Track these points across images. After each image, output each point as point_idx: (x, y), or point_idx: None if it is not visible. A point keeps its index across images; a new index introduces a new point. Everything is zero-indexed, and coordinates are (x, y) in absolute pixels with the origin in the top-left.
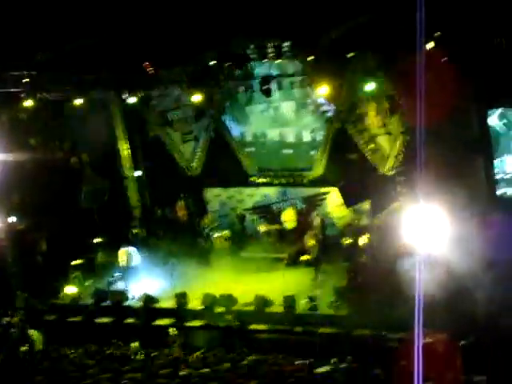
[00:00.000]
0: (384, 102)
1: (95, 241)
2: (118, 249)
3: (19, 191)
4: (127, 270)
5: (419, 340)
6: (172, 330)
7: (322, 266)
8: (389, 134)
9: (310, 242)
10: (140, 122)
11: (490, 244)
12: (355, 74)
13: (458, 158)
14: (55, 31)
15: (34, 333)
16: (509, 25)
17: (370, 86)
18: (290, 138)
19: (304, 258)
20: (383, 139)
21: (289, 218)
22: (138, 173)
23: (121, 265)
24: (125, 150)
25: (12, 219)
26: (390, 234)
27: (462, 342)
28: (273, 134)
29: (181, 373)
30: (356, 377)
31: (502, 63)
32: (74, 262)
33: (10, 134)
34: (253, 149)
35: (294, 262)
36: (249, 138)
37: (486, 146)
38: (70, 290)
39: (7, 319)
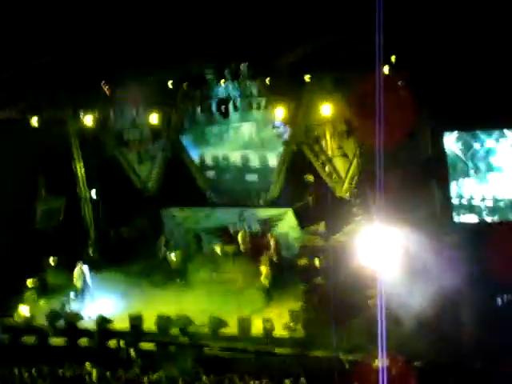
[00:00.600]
0: (340, 124)
1: (49, 260)
2: (73, 269)
3: None
4: (81, 290)
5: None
6: (130, 351)
7: (278, 287)
8: (345, 156)
9: (265, 263)
10: (96, 141)
11: (443, 267)
12: (312, 96)
13: (413, 180)
14: (12, 49)
15: None
16: (461, 50)
17: (326, 109)
18: (253, 162)
19: (259, 279)
20: (339, 161)
21: (242, 240)
22: (93, 193)
23: (75, 285)
24: (80, 169)
25: None
26: (345, 255)
27: (416, 364)
28: (234, 158)
29: None
30: None
31: (456, 87)
32: (27, 282)
33: None
34: (213, 172)
35: (249, 283)
36: (208, 161)
37: (441, 169)
38: (24, 310)
39: None
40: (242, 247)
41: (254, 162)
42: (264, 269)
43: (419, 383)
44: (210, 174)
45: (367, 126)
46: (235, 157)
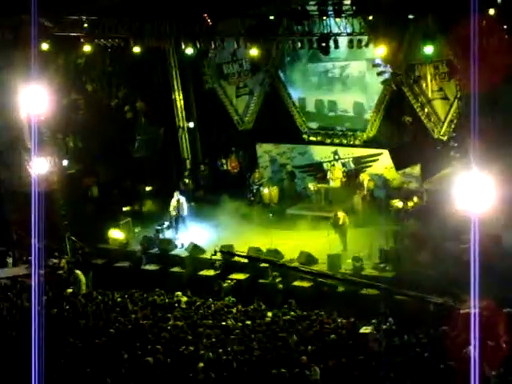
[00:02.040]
0: (442, 65)
1: (146, 189)
2: (168, 198)
3: (73, 136)
4: (176, 219)
5: (473, 306)
6: (220, 282)
7: (370, 227)
8: (445, 98)
9: (358, 202)
10: (196, 73)
11: None
12: (414, 36)
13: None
14: None
15: (80, 276)
16: None
17: (428, 49)
18: (351, 101)
19: (351, 218)
20: (439, 103)
21: (336, 177)
22: (191, 124)
23: (170, 213)
24: (179, 100)
25: (65, 163)
26: (439, 198)
27: (507, 310)
28: (333, 97)
29: (223, 323)
30: (395, 339)
31: None
32: (124, 209)
33: (67, 78)
34: (310, 110)
35: (341, 221)
36: (307, 99)
37: None
38: (119, 235)
39: (55, 261)
40: (333, 185)
41: (352, 100)
42: (357, 208)
43: (509, 330)
44: (308, 111)
45: (469, 68)
46: (334, 96)
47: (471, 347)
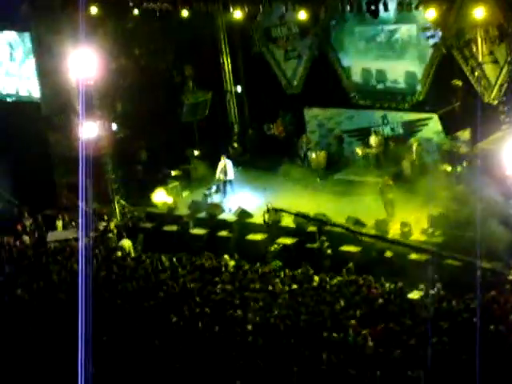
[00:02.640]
0: (492, 29)
1: (194, 153)
2: (216, 162)
3: (122, 100)
4: (224, 183)
5: None
6: (273, 247)
7: (419, 192)
8: (495, 62)
9: (407, 167)
10: (244, 37)
11: None
12: None
13: None
14: None
15: (126, 241)
16: None
17: (479, 12)
18: (398, 67)
19: (399, 183)
20: (489, 67)
21: (376, 144)
22: (239, 88)
23: (218, 178)
24: (227, 64)
25: (114, 127)
26: (490, 163)
27: None
28: (381, 64)
29: (270, 288)
30: (444, 304)
31: None
32: (172, 173)
33: (115, 42)
34: (358, 75)
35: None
36: (350, 65)
37: None
38: (167, 199)
39: (104, 224)
40: (374, 151)
41: (403, 69)
42: (406, 173)
43: None
44: (356, 76)
45: None
46: (383, 64)
47: None
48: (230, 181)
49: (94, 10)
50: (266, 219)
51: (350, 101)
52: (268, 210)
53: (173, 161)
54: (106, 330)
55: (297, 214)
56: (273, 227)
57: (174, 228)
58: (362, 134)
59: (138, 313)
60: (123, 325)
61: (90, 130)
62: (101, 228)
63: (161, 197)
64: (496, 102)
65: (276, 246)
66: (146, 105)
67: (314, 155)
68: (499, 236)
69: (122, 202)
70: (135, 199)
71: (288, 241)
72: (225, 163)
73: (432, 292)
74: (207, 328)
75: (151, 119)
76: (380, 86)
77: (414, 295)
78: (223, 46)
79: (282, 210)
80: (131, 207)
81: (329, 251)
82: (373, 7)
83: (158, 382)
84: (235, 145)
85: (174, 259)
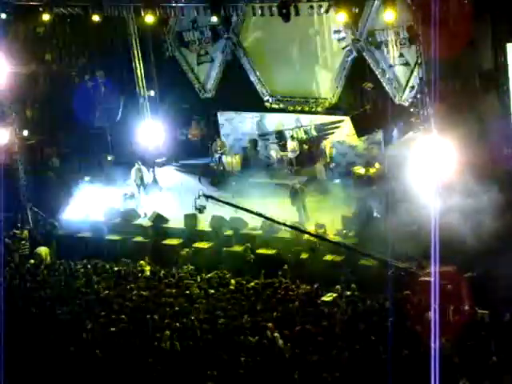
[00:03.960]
0: (403, 31)
1: (107, 158)
2: (130, 167)
3: (33, 106)
4: (138, 188)
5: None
6: (184, 251)
7: (332, 193)
8: (406, 64)
9: (321, 170)
10: (156, 41)
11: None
12: (375, 2)
13: (473, 90)
14: None
15: (42, 248)
16: None
17: (389, 15)
18: (306, 62)
19: (314, 185)
20: (400, 69)
21: (291, 147)
22: (152, 93)
23: (133, 183)
24: (140, 69)
25: (25, 134)
26: (401, 164)
27: (468, 275)
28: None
29: (187, 292)
30: (359, 305)
31: None
32: (85, 179)
33: (26, 48)
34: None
35: (303, 188)
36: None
37: (501, 80)
38: (80, 205)
39: (17, 232)
40: (290, 155)
41: (314, 68)
42: (319, 175)
43: (471, 294)
44: (269, 79)
45: (429, 33)
46: (293, 63)
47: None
48: (145, 185)
49: (3, 15)
50: (197, 206)
51: (264, 104)
52: (199, 197)
53: (86, 166)
54: (20, 338)
55: (227, 203)
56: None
57: (89, 234)
58: (276, 138)
59: (52, 321)
60: (38, 332)
61: (0, 137)
62: (14, 236)
63: (77, 203)
64: (407, 104)
65: (187, 249)
66: (58, 110)
67: (228, 159)
68: (412, 236)
69: (35, 209)
70: (49, 206)
71: (204, 245)
72: (139, 168)
73: (348, 293)
74: (123, 334)
75: (63, 125)
76: (293, 90)
77: (328, 297)
78: (135, 50)
79: (212, 197)
80: (45, 214)
81: (249, 254)
82: (284, 11)
83: None
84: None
85: (89, 266)
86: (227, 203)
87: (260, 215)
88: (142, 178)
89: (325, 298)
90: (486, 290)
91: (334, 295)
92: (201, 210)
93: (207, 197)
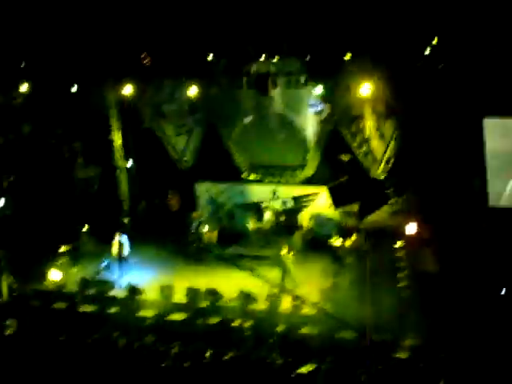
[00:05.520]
0: (379, 105)
1: (84, 229)
2: (106, 238)
3: (9, 175)
4: (115, 260)
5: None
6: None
7: (309, 265)
8: (382, 137)
9: (298, 241)
10: (134, 112)
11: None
12: (351, 76)
13: (450, 167)
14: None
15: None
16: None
17: (365, 89)
18: (283, 133)
19: (290, 256)
20: (376, 143)
21: (268, 219)
22: (129, 163)
23: (112, 254)
24: (118, 140)
25: (1, 204)
26: (378, 236)
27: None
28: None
29: (162, 365)
30: (336, 377)
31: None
32: (61, 248)
33: (3, 118)
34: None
35: (280, 260)
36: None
37: (480, 158)
38: (55, 275)
39: None
40: (267, 225)
41: (291, 139)
42: (296, 246)
43: None
44: (245, 149)
45: (406, 108)
46: (271, 135)
47: None
48: (125, 258)
49: None
50: None
51: (241, 175)
52: None
53: (62, 236)
54: None
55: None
56: None
57: (63, 305)
58: (253, 209)
59: None
60: None
61: None
62: None
63: (51, 274)
64: (383, 177)
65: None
66: (34, 180)
67: (205, 230)
68: (390, 308)
69: (10, 278)
70: (23, 275)
71: (178, 316)
72: (119, 240)
73: (323, 367)
74: None
75: (40, 195)
76: (270, 161)
77: (304, 370)
78: (113, 121)
79: None
80: (19, 284)
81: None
82: (262, 85)
83: None
84: (124, 220)
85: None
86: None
87: None
88: (120, 250)
89: (300, 371)
90: None
91: (310, 368)
92: None
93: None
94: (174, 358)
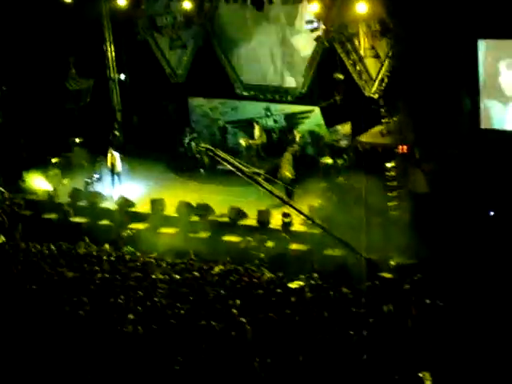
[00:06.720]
0: (374, 24)
1: (76, 140)
2: (98, 150)
3: (1, 86)
4: (111, 175)
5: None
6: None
7: (300, 183)
8: (377, 56)
9: (289, 159)
10: (128, 25)
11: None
12: None
13: (443, 87)
14: None
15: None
16: None
17: (361, 7)
18: (278, 52)
19: (281, 174)
20: (371, 62)
21: (260, 136)
22: (122, 76)
23: (105, 167)
24: (111, 51)
25: None
26: (369, 156)
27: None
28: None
29: (153, 276)
30: (322, 294)
31: None
32: (53, 160)
33: None
34: (242, 65)
35: (271, 177)
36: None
37: (473, 79)
38: (47, 186)
39: None
40: (257, 142)
41: (285, 57)
42: (286, 164)
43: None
44: (240, 66)
45: (401, 26)
46: (265, 52)
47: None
48: (118, 173)
49: None
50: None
51: (234, 92)
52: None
53: (54, 148)
54: None
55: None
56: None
57: (54, 216)
58: (246, 125)
59: (12, 304)
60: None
61: None
62: None
63: (39, 183)
64: (376, 96)
65: (128, 231)
66: (27, 91)
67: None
68: (378, 228)
69: (1, 188)
70: (15, 186)
71: (169, 230)
72: (112, 154)
73: (312, 282)
74: (88, 317)
75: (32, 106)
76: (264, 78)
77: (294, 285)
78: (107, 33)
79: (211, 150)
80: (10, 194)
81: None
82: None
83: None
84: (117, 133)
85: (53, 247)
86: (227, 161)
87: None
88: (114, 165)
89: (290, 285)
90: None
91: (300, 283)
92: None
93: (207, 149)
94: (163, 271)
